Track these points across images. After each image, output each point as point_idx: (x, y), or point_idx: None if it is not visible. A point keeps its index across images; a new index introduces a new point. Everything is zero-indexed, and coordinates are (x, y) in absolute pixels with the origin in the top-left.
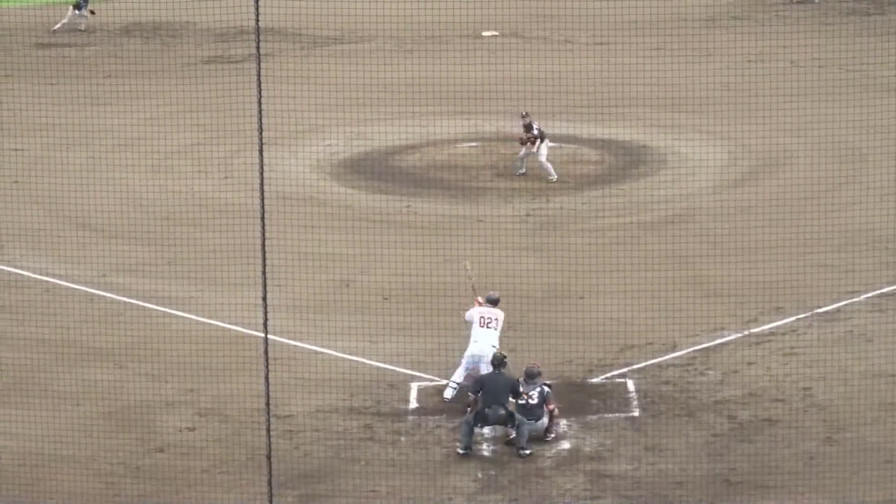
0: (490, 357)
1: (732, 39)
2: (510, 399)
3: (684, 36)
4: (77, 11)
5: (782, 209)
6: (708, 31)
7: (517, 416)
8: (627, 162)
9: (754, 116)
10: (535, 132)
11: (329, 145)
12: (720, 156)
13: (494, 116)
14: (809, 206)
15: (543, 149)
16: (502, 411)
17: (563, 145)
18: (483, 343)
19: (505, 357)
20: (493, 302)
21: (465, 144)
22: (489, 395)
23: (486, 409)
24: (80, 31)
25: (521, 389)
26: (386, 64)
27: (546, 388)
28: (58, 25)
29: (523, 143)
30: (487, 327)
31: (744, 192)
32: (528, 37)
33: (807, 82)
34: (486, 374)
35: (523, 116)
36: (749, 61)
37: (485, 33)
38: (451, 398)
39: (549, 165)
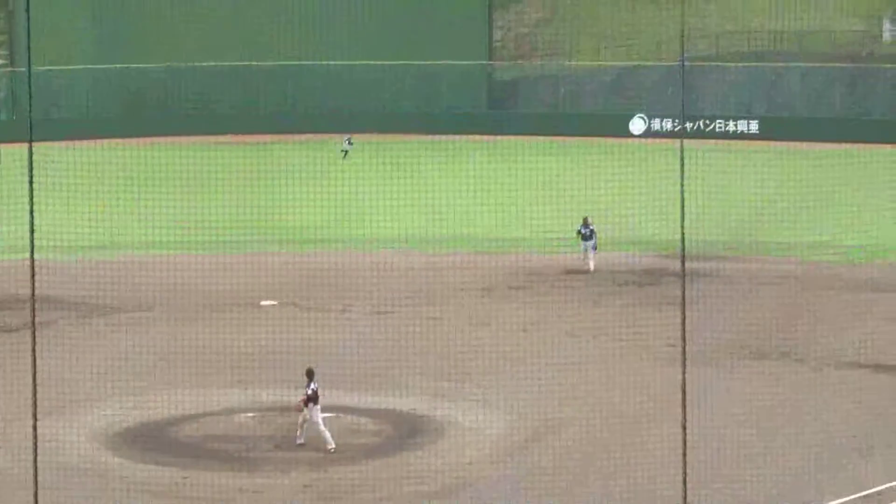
0: None
1: (510, 309)
2: None
3: (462, 306)
4: None
5: (559, 477)
6: (486, 301)
7: None
8: (405, 431)
9: (531, 385)
10: (310, 391)
11: (106, 415)
12: (498, 424)
13: (272, 386)
14: (586, 472)
15: (317, 415)
16: None
17: (340, 415)
18: None
19: None
20: None
21: (243, 414)
22: None
23: None
24: None
25: None
26: (165, 333)
27: None
28: None
29: (299, 410)
30: None
31: (521, 461)
32: (306, 306)
33: (582, 351)
34: None
35: (309, 372)
36: (525, 331)
37: (263, 303)
38: None
39: (327, 433)
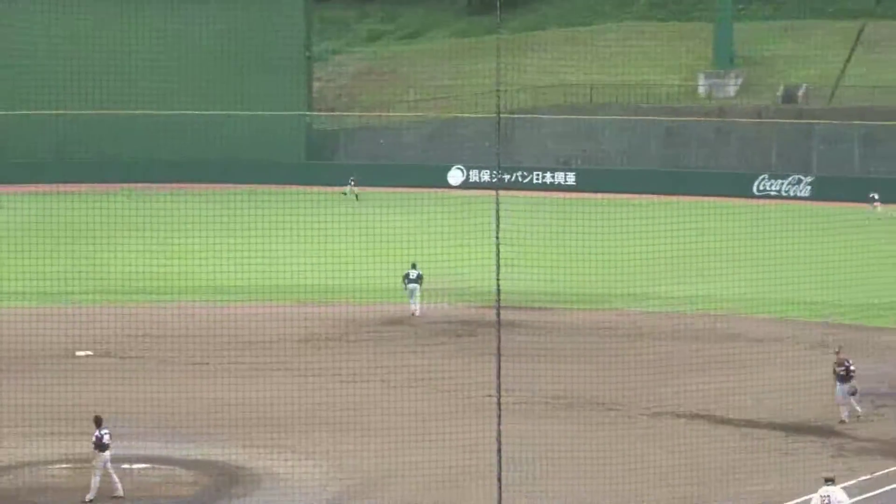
0: None
1: (329, 359)
2: None
3: (282, 356)
4: None
5: None
6: (305, 352)
7: None
8: (222, 483)
9: (349, 437)
10: (94, 438)
11: None
12: (314, 476)
13: (88, 438)
14: None
15: (100, 463)
16: None
17: (157, 466)
18: None
19: None
20: None
21: (58, 466)
22: None
23: None
24: None
25: None
26: None
27: None
28: None
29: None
30: None
31: None
32: (125, 356)
33: (400, 402)
34: None
35: (97, 419)
36: (343, 381)
37: (78, 353)
38: None
39: (96, 482)
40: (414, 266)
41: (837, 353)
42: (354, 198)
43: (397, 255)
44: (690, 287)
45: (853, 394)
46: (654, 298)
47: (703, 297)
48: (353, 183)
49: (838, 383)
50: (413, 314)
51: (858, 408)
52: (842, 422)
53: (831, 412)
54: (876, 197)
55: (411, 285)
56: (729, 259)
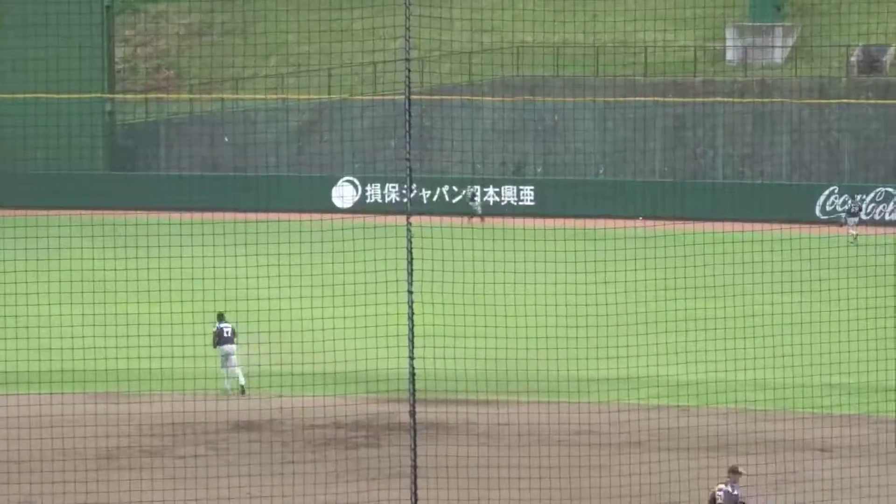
0: None
1: (145, 487)
2: None
3: (69, 480)
4: None
5: None
6: (110, 476)
7: None
8: None
9: None
10: None
11: None
12: None
13: None
14: None
15: None
16: None
17: None
18: None
19: None
20: None
21: None
22: None
23: None
24: None
25: None
26: None
27: None
28: None
29: None
30: None
31: None
32: None
33: None
34: None
35: None
36: None
37: None
38: None
39: None
40: (222, 317)
41: (736, 472)
42: (479, 218)
43: (250, 318)
44: (710, 367)
45: None
46: (653, 386)
47: (729, 384)
48: (476, 198)
49: None
50: (228, 395)
51: None
52: None
53: None
54: (860, 208)
55: (226, 347)
56: (771, 323)
